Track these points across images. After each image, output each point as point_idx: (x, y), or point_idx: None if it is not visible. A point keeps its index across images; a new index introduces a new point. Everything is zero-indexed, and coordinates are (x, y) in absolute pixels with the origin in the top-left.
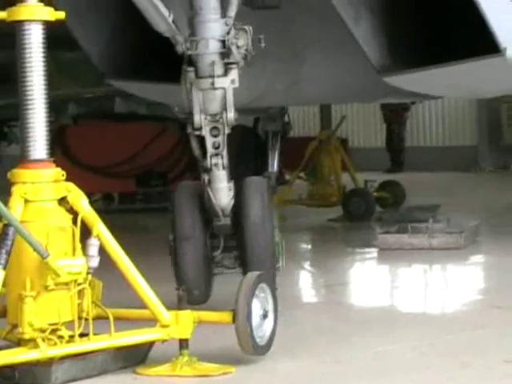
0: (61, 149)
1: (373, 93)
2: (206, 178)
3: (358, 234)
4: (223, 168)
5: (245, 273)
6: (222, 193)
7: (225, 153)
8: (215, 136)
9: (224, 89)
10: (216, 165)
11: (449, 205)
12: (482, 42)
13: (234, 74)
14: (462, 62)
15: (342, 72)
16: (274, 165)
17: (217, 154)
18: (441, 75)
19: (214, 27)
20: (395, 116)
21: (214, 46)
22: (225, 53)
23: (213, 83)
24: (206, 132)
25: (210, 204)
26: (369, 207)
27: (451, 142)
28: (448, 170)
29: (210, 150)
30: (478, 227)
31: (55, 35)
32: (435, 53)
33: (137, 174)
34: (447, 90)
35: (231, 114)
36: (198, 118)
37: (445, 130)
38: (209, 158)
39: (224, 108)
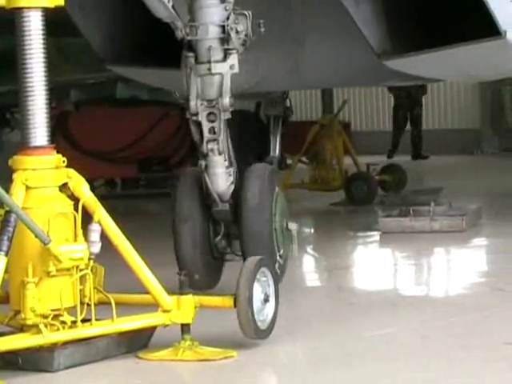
0: (63, 135)
1: (374, 76)
2: (203, 163)
3: (360, 217)
4: (219, 153)
5: (243, 259)
6: (219, 178)
7: (221, 138)
8: (212, 121)
9: (221, 74)
10: (212, 150)
11: (451, 188)
12: (482, 25)
13: (233, 59)
14: (461, 45)
15: (343, 56)
16: (275, 149)
17: (213, 140)
18: (440, 58)
19: (213, 12)
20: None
21: (213, 32)
22: (224, 38)
23: (210, 69)
24: (202, 117)
25: (207, 189)
26: (371, 191)
27: (454, 125)
28: (450, 154)
29: (206, 135)
30: (479, 210)
31: (57, 21)
32: (435, 36)
33: (139, 160)
34: (447, 73)
35: (227, 100)
36: (194, 104)
37: (447, 113)
38: (205, 144)
39: (221, 94)
